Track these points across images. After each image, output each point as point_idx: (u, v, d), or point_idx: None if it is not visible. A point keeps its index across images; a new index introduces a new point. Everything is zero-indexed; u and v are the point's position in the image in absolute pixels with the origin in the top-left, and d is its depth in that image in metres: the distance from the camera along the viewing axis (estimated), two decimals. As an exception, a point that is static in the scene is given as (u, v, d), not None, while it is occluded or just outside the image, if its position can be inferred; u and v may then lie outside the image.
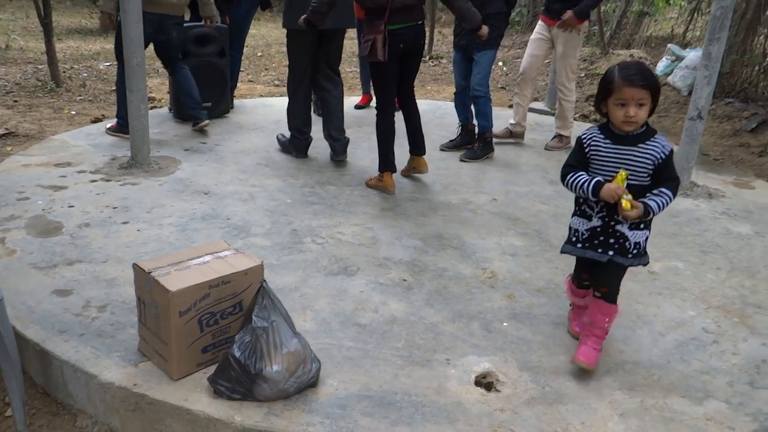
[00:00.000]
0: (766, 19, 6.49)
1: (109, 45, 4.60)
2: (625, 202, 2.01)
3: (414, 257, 3.04)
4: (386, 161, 3.85)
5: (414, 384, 2.11)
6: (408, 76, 3.90)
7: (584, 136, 2.14)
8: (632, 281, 2.94)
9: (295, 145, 4.40)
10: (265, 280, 2.05)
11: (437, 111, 6.14)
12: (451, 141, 4.95)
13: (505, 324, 2.51)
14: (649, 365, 2.31)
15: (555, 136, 5.15)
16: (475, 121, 4.77)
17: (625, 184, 2.02)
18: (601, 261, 2.13)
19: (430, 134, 5.00)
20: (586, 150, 2.12)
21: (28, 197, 3.40)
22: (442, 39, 11.39)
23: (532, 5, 12.05)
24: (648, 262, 2.18)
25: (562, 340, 2.42)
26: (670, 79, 7.29)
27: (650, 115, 2.04)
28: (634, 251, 2.10)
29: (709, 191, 4.20)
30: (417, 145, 4.02)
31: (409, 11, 3.54)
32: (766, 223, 3.75)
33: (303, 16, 3.68)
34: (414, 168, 4.08)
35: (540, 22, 4.95)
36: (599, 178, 2.07)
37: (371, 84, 5.08)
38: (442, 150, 4.86)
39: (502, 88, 8.27)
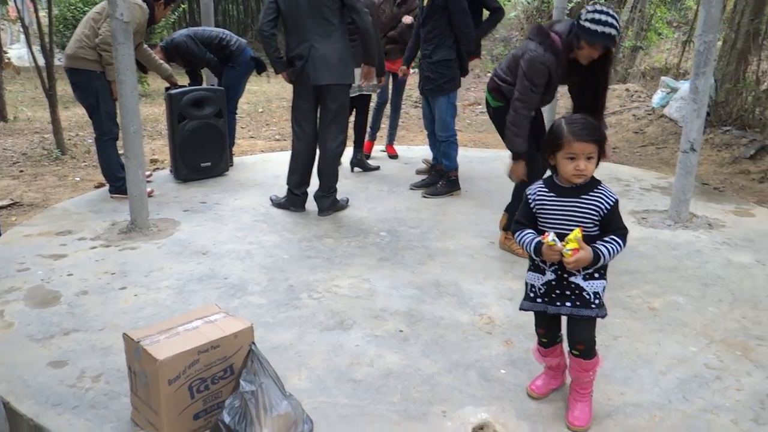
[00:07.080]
0: (757, 47, 6.56)
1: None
2: (567, 252, 1.96)
3: (411, 307, 3.03)
4: None
5: (409, 440, 2.08)
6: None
7: (529, 191, 2.16)
8: (632, 319, 2.91)
9: (293, 201, 4.45)
10: (254, 343, 2.05)
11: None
12: (422, 180, 5.12)
13: (502, 371, 2.48)
14: (651, 406, 2.27)
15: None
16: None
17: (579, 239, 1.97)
18: (562, 314, 2.11)
19: (414, 177, 5.15)
20: (532, 205, 2.13)
21: (28, 268, 3.44)
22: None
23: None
24: (606, 314, 2.12)
25: (561, 385, 2.39)
26: (666, 110, 7.35)
27: (596, 166, 2.05)
28: (596, 301, 2.08)
29: (708, 221, 4.18)
30: None
31: None
32: (768, 251, 3.72)
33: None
34: None
35: None
36: (539, 238, 2.06)
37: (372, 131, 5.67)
38: (411, 189, 5.01)
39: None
